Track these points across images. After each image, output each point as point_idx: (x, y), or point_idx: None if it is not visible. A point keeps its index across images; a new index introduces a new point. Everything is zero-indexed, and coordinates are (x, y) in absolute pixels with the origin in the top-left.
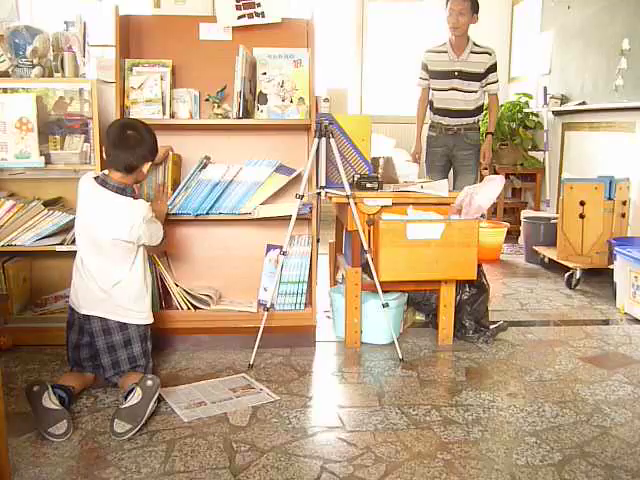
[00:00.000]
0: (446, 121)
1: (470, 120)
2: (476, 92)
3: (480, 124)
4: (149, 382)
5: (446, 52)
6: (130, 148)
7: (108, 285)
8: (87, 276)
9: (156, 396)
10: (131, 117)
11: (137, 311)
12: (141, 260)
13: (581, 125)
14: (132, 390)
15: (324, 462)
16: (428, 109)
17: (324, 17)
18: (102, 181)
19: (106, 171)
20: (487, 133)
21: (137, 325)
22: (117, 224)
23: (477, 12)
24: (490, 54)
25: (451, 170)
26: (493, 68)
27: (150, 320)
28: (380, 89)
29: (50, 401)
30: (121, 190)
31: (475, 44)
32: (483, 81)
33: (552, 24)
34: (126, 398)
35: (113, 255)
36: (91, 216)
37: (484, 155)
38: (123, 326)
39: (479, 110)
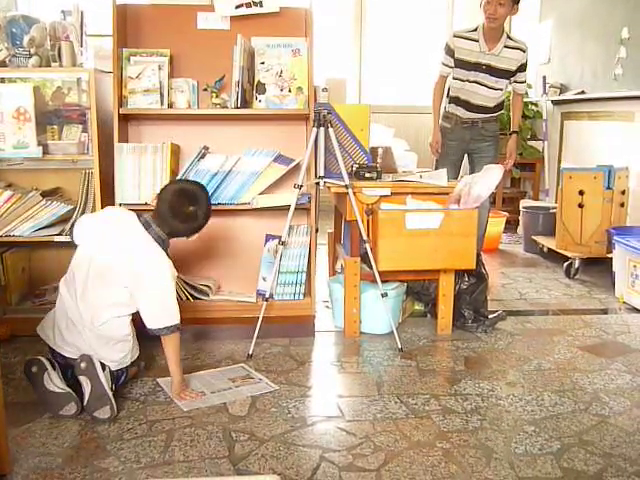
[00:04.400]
0: (462, 113)
1: (488, 115)
2: (501, 90)
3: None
4: (82, 365)
5: (477, 41)
6: (183, 222)
7: (95, 322)
8: (72, 302)
9: (98, 366)
10: (196, 184)
11: (111, 360)
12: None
13: (580, 114)
14: (79, 385)
15: (323, 451)
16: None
17: (322, 6)
18: (145, 222)
19: (148, 216)
20: (512, 132)
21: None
22: (139, 266)
23: (518, 2)
24: (524, 51)
25: (464, 162)
26: (524, 67)
27: (128, 360)
28: (379, 78)
29: (52, 383)
30: (161, 241)
31: (509, 37)
32: (512, 79)
33: (551, 13)
34: (82, 395)
35: (114, 290)
36: (116, 244)
37: (510, 155)
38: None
39: (499, 107)
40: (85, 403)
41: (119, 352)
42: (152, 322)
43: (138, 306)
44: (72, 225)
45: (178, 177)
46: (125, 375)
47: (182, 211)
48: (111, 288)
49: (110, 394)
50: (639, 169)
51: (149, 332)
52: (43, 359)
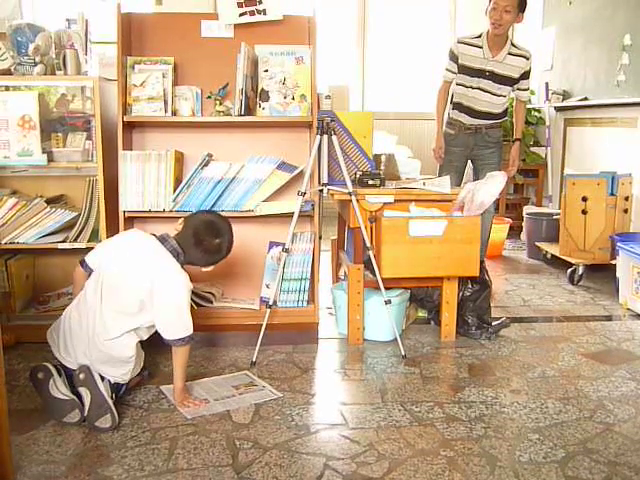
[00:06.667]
0: (466, 119)
1: (491, 122)
2: (505, 97)
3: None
4: (81, 376)
5: (481, 47)
6: (205, 251)
7: (103, 337)
8: (82, 318)
9: (97, 376)
10: (222, 218)
11: (110, 375)
12: (145, 331)
13: (583, 121)
14: (79, 396)
15: (327, 459)
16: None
17: (325, 14)
18: (161, 237)
19: (165, 234)
20: (515, 140)
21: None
22: (155, 279)
23: (524, 11)
24: (527, 58)
25: (467, 169)
26: (527, 74)
27: (128, 377)
28: (382, 86)
29: (57, 390)
30: (176, 254)
31: (513, 44)
32: (515, 86)
33: (554, 20)
34: (83, 405)
35: (122, 309)
36: (132, 260)
37: (513, 162)
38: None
39: (504, 114)
40: (86, 413)
41: (119, 369)
42: (167, 333)
43: (154, 318)
44: (82, 260)
45: (182, 184)
46: (125, 386)
47: (204, 240)
48: (122, 299)
49: (110, 403)
50: None
51: (164, 342)
52: (49, 365)
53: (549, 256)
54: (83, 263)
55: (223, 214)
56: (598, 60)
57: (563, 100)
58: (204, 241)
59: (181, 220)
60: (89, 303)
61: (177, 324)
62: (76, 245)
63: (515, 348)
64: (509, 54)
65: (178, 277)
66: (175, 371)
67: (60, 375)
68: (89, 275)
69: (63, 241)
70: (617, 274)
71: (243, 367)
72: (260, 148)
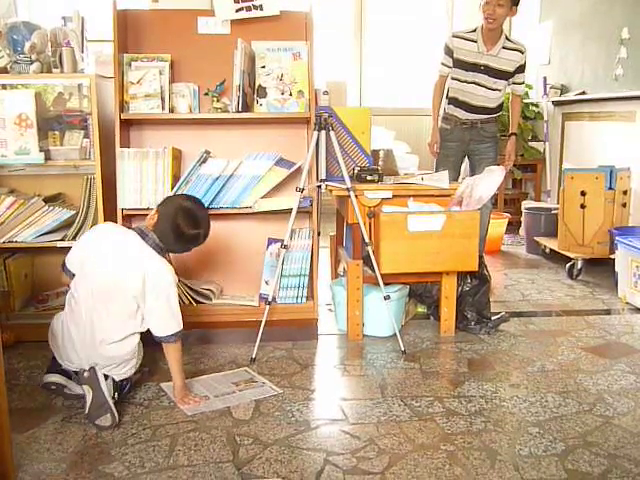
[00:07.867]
0: (461, 114)
1: (487, 116)
2: (500, 91)
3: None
4: (85, 374)
5: (476, 42)
6: (185, 242)
7: (106, 342)
8: (80, 329)
9: (101, 376)
10: (197, 202)
11: (115, 374)
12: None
13: (581, 115)
14: (82, 394)
15: (327, 454)
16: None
17: (322, 9)
18: (141, 232)
19: (142, 226)
20: (510, 134)
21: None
22: (143, 276)
23: (517, 4)
24: (522, 52)
25: (464, 164)
26: (522, 68)
27: (133, 371)
28: (380, 81)
29: (73, 391)
30: (159, 249)
31: (507, 38)
32: (510, 80)
33: (551, 14)
34: (85, 402)
35: (121, 311)
36: (119, 262)
37: (509, 157)
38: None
39: (499, 108)
40: (86, 412)
41: (124, 367)
42: (160, 330)
43: (145, 316)
44: (63, 263)
45: (180, 182)
46: (130, 384)
47: (185, 233)
48: (119, 301)
49: (111, 402)
50: None
51: (156, 340)
52: (56, 378)
53: (548, 251)
54: (64, 267)
55: (222, 211)
56: (596, 54)
57: (561, 95)
58: (184, 234)
59: (154, 209)
60: (84, 314)
61: (170, 320)
62: (74, 244)
63: (514, 342)
64: (504, 48)
65: (167, 274)
66: (172, 368)
67: (70, 378)
68: (72, 277)
69: (61, 239)
70: (616, 268)
71: (243, 364)
72: (258, 144)
